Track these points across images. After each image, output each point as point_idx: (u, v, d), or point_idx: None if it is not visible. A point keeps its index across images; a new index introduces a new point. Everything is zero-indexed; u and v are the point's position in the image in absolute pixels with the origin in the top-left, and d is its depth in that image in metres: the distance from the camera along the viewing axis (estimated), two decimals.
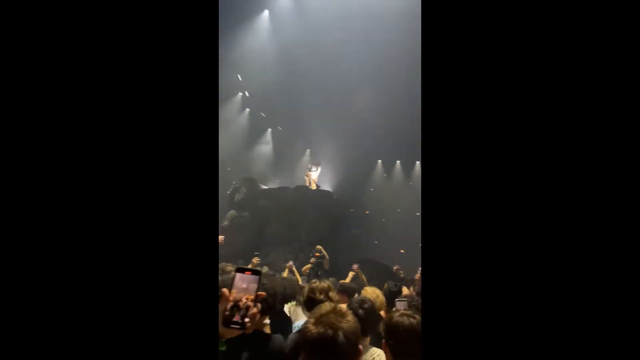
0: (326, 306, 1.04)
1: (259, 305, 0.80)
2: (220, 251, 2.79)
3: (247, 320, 0.77)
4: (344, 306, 1.23)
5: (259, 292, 0.80)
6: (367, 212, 12.05)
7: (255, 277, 0.81)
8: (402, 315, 1.26)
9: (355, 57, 10.93)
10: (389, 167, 13.65)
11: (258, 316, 0.79)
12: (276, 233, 9.22)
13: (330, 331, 0.95)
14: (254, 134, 13.37)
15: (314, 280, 2.05)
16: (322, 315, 0.99)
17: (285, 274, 4.77)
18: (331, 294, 1.94)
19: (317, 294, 1.92)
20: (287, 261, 8.18)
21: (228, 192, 10.13)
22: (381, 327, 1.36)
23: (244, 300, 0.78)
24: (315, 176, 10.38)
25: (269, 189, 10.47)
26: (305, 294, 1.95)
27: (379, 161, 13.77)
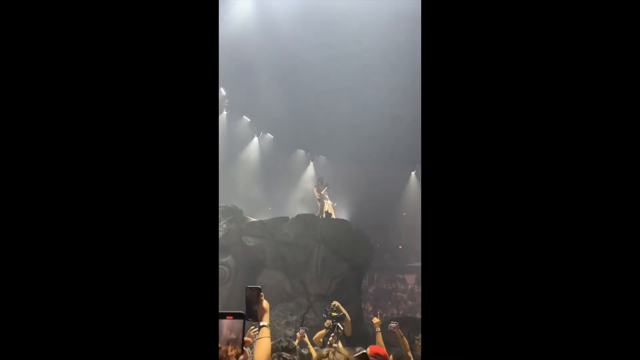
0: None
1: (247, 351, 1.06)
2: None
3: None
4: None
5: (245, 338, 1.07)
6: (400, 247, 12.37)
7: (239, 322, 1.06)
8: None
9: (370, 37, 10.92)
10: None
11: None
12: (272, 285, 8.86)
13: None
14: (235, 146, 13.29)
15: (325, 350, 1.86)
16: None
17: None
18: None
19: None
20: (289, 325, 8.23)
21: None
22: None
23: (231, 352, 1.03)
24: (330, 203, 10.14)
25: (260, 222, 10.00)
26: None
27: (413, 173, 13.91)
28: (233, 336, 1.02)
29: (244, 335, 1.03)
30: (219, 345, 1.01)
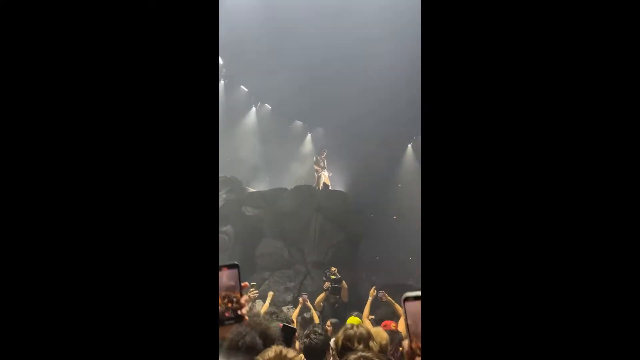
0: (271, 352, 1.48)
1: (245, 295, 1.18)
2: None
3: (239, 312, 1.14)
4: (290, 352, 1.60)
5: (243, 283, 1.18)
6: (395, 217, 12.38)
7: (234, 271, 1.17)
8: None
9: (371, 10, 10.73)
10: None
11: (248, 305, 1.19)
12: (271, 253, 9.23)
13: None
14: (232, 116, 13.15)
15: (349, 326, 2.15)
16: None
17: (295, 312, 5.14)
18: (371, 343, 2.00)
19: (356, 344, 1.98)
20: (287, 290, 8.52)
21: None
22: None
23: (232, 296, 1.14)
24: (327, 174, 10.39)
25: (259, 192, 10.45)
26: (340, 342, 2.06)
27: (409, 146, 13.88)
28: (232, 283, 1.14)
29: (240, 282, 1.15)
30: (223, 293, 1.14)
